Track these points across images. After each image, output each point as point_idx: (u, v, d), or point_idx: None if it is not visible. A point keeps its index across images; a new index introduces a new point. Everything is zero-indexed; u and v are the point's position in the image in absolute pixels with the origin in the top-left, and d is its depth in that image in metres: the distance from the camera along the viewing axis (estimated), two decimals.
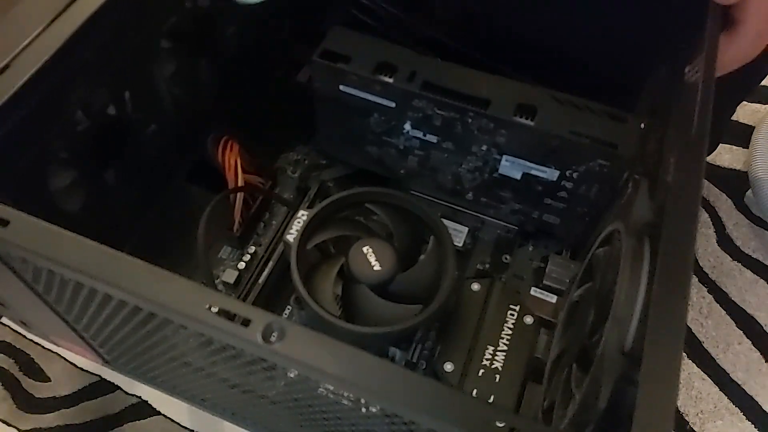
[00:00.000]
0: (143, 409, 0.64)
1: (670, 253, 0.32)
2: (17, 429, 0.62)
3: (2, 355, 0.66)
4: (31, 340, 0.67)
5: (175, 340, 0.36)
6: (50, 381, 0.65)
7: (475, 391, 0.48)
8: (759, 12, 0.41)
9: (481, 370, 0.49)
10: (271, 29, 0.67)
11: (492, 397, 0.48)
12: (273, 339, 0.28)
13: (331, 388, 0.34)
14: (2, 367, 0.65)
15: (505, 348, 0.50)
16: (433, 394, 0.28)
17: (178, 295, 0.29)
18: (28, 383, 0.65)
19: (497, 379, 0.49)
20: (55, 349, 0.66)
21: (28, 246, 0.30)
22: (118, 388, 0.64)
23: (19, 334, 0.67)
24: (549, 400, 0.44)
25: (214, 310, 0.29)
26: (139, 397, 0.64)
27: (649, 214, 0.38)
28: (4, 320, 0.68)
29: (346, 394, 0.34)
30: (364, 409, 0.34)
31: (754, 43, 0.42)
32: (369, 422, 0.35)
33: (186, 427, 0.63)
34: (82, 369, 0.66)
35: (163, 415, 0.63)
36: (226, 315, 0.29)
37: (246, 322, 0.29)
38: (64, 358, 0.66)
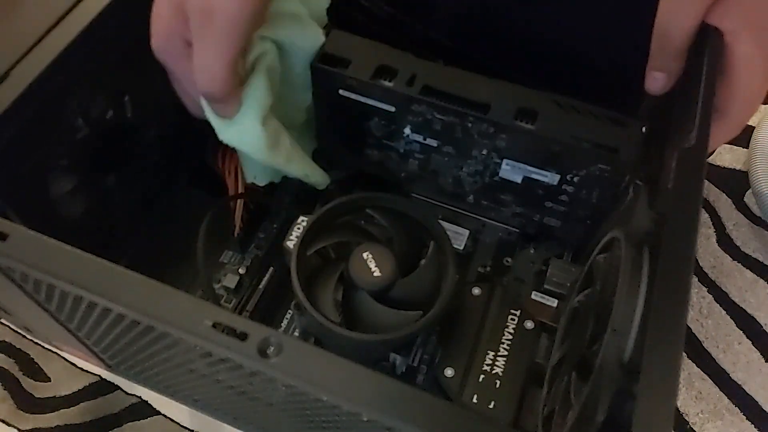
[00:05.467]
0: (143, 409, 0.63)
1: (670, 266, 0.32)
2: (17, 429, 0.62)
3: (2, 355, 0.66)
4: (31, 340, 0.67)
5: (176, 350, 0.36)
6: (50, 381, 0.65)
7: (475, 397, 0.48)
8: (743, 106, 0.42)
9: (482, 376, 0.49)
10: None
11: (492, 403, 0.48)
12: (270, 353, 0.28)
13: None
14: (2, 367, 0.65)
15: (506, 353, 0.50)
16: (432, 409, 0.28)
17: (174, 309, 0.29)
18: (28, 383, 0.65)
19: (498, 385, 0.49)
20: (55, 349, 0.66)
21: (26, 260, 0.30)
22: (118, 388, 0.64)
23: (19, 334, 0.67)
24: (549, 407, 0.44)
25: (210, 323, 0.29)
26: (139, 397, 0.64)
27: (648, 224, 0.38)
28: (4, 320, 0.68)
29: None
30: (365, 417, 0.34)
31: (737, 130, 0.43)
32: (369, 427, 0.35)
33: (186, 428, 0.63)
34: (82, 369, 0.65)
35: (163, 416, 0.63)
36: (223, 329, 0.29)
37: (243, 336, 0.29)
38: (64, 358, 0.66)
